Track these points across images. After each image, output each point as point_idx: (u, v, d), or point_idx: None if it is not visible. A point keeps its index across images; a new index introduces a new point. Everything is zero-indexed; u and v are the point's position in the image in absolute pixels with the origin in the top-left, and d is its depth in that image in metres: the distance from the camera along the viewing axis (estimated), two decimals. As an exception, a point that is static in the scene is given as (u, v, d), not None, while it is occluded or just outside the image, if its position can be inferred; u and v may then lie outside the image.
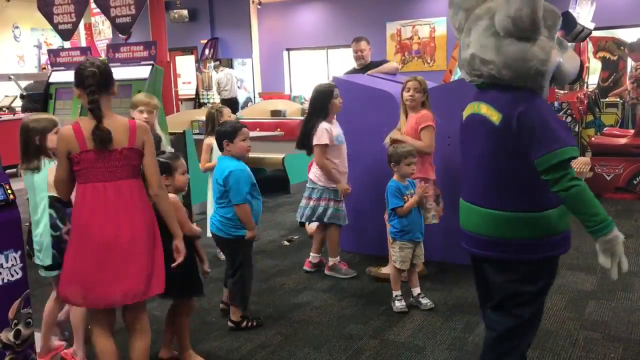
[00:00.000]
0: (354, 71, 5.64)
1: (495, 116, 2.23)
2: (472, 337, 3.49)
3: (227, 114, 4.79)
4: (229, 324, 3.69)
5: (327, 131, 4.31)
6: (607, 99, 9.16)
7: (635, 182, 6.67)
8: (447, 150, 4.32)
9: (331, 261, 4.58)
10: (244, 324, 3.67)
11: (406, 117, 4.23)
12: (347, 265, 4.62)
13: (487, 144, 2.28)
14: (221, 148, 3.60)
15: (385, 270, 4.33)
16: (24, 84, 10.54)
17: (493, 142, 2.26)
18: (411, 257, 3.88)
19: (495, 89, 2.27)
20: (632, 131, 6.91)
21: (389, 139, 4.21)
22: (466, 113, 2.43)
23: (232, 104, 12.84)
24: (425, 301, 3.90)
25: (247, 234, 3.54)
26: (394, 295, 3.92)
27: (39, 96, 7.76)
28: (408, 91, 4.16)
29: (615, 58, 10.21)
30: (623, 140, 6.74)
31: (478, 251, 2.40)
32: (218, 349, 3.45)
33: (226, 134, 3.54)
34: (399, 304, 3.87)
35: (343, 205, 4.46)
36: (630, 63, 8.90)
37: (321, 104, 4.36)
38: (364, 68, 5.51)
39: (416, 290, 3.96)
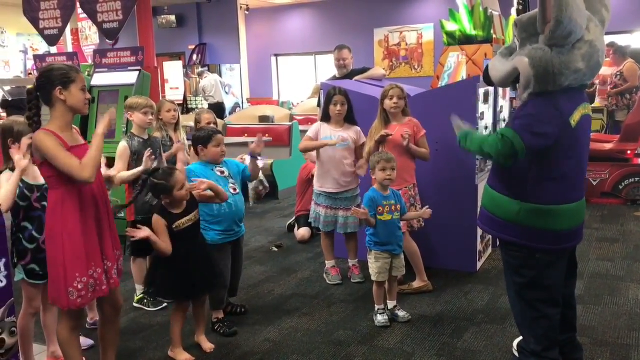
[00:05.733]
0: (334, 79, 5.54)
1: (590, 110, 2.73)
2: (460, 342, 3.49)
3: (205, 119, 4.68)
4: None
5: (315, 129, 4.41)
6: (591, 105, 9.19)
7: (621, 187, 6.73)
8: (434, 155, 4.34)
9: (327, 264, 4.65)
10: (216, 326, 3.75)
11: (383, 125, 4.16)
12: (339, 272, 4.60)
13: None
14: (197, 153, 3.71)
15: (416, 284, 4.27)
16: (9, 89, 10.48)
17: None
18: (389, 269, 3.74)
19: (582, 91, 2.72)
20: (617, 137, 6.97)
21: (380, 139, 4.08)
22: (577, 117, 2.60)
23: (218, 109, 12.75)
24: (402, 314, 3.82)
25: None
26: (376, 309, 3.81)
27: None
28: (392, 99, 4.12)
29: None
30: (609, 146, 6.81)
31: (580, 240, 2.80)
32: (207, 356, 3.43)
33: (200, 140, 3.65)
34: (380, 318, 3.76)
35: (321, 209, 4.44)
36: (606, 70, 8.57)
37: (325, 107, 4.43)
38: (345, 77, 5.47)
39: (392, 303, 3.85)
